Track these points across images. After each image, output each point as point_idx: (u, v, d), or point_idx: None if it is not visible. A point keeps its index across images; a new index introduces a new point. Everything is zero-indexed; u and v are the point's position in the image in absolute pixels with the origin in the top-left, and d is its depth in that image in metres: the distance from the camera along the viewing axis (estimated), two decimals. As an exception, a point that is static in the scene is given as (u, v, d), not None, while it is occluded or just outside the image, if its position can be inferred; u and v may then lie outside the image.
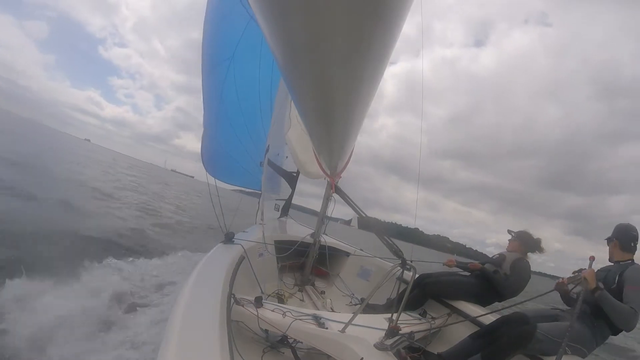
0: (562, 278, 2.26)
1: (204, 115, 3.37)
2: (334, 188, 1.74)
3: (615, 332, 2.01)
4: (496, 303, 2.76)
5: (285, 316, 1.68)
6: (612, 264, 2.17)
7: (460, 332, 2.32)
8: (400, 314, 1.69)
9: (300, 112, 1.12)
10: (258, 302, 1.71)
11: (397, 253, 1.62)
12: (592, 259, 2.10)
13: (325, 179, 3.10)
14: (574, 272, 2.29)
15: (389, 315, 1.74)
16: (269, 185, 4.30)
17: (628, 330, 1.97)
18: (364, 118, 1.13)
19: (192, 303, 1.30)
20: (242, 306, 1.64)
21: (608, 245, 2.21)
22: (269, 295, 2.55)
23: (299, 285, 3.21)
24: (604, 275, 2.08)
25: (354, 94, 0.82)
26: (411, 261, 1.83)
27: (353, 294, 3.23)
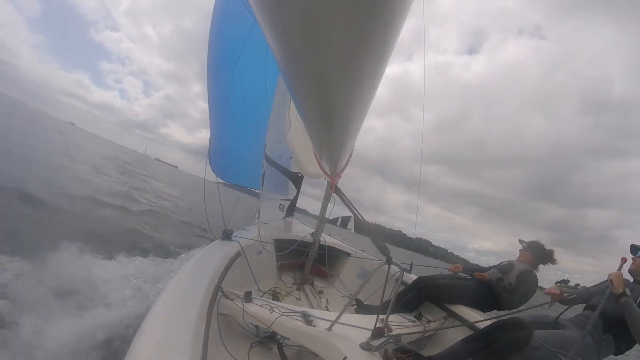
0: (553, 288, 2.22)
1: (211, 117, 3.40)
2: (334, 188, 1.75)
3: (619, 352, 1.94)
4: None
5: (273, 312, 1.68)
6: (631, 280, 2.05)
7: (457, 337, 2.24)
8: (389, 315, 1.66)
9: (300, 111, 1.13)
10: (247, 297, 1.72)
11: (384, 251, 1.59)
12: (623, 260, 1.96)
13: (325, 178, 3.10)
14: (556, 283, 2.26)
15: (380, 316, 1.71)
16: (273, 186, 4.32)
17: None
18: (364, 118, 1.13)
19: (176, 294, 1.33)
20: (231, 300, 1.66)
21: (638, 258, 2.06)
22: (264, 293, 2.55)
23: (298, 285, 3.20)
24: (630, 287, 1.95)
25: (353, 94, 0.82)
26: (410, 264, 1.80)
27: (351, 295, 3.18)
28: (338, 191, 1.75)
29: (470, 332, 2.25)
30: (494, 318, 2.31)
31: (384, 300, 1.70)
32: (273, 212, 4.39)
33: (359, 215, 1.60)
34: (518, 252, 2.78)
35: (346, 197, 1.72)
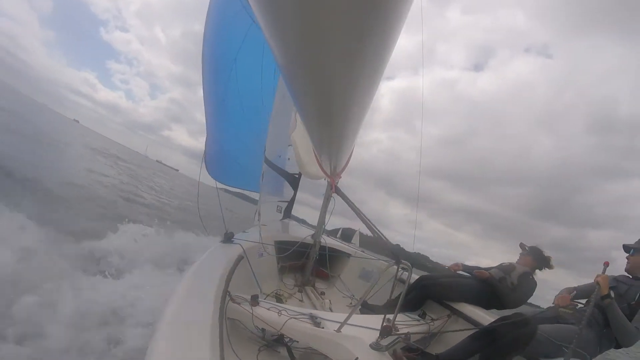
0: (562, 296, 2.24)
1: (207, 119, 3.36)
2: (334, 188, 1.75)
3: (619, 346, 2.00)
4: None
5: (281, 315, 1.68)
6: (630, 277, 2.14)
7: (461, 334, 2.27)
8: (396, 314, 1.66)
9: (299, 111, 1.12)
10: (254, 300, 1.70)
11: (394, 252, 1.60)
12: (606, 264, 2.09)
13: (325, 179, 3.10)
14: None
15: (387, 315, 1.72)
16: (272, 188, 4.30)
17: (626, 347, 2.00)
18: (363, 118, 1.12)
19: (185, 300, 1.30)
20: (239, 304, 1.64)
21: (631, 256, 2.15)
22: (267, 295, 2.55)
23: (299, 286, 3.21)
24: (625, 288, 2.07)
25: (352, 94, 0.82)
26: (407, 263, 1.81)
27: (353, 295, 3.22)
28: (338, 191, 1.75)
29: (474, 329, 2.27)
30: (497, 315, 2.37)
31: (392, 299, 1.70)
32: (271, 214, 4.37)
33: (362, 216, 1.58)
34: (518, 256, 2.90)
35: (347, 197, 1.71)
